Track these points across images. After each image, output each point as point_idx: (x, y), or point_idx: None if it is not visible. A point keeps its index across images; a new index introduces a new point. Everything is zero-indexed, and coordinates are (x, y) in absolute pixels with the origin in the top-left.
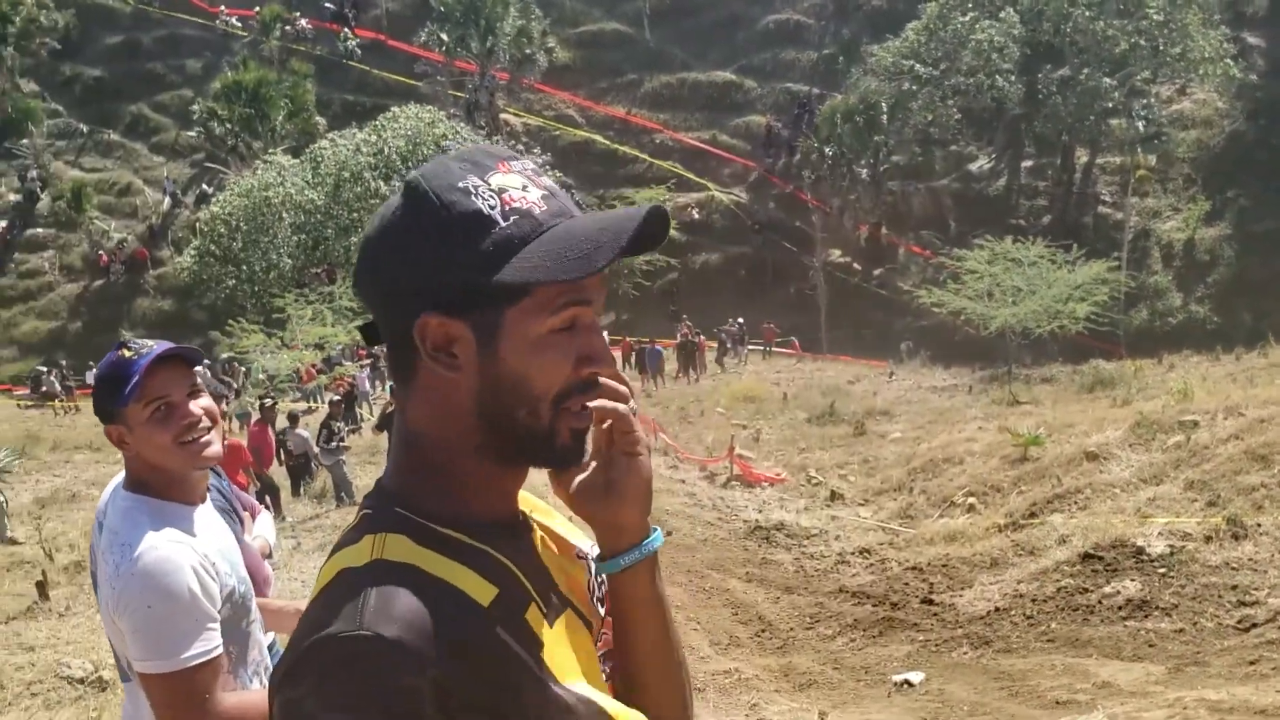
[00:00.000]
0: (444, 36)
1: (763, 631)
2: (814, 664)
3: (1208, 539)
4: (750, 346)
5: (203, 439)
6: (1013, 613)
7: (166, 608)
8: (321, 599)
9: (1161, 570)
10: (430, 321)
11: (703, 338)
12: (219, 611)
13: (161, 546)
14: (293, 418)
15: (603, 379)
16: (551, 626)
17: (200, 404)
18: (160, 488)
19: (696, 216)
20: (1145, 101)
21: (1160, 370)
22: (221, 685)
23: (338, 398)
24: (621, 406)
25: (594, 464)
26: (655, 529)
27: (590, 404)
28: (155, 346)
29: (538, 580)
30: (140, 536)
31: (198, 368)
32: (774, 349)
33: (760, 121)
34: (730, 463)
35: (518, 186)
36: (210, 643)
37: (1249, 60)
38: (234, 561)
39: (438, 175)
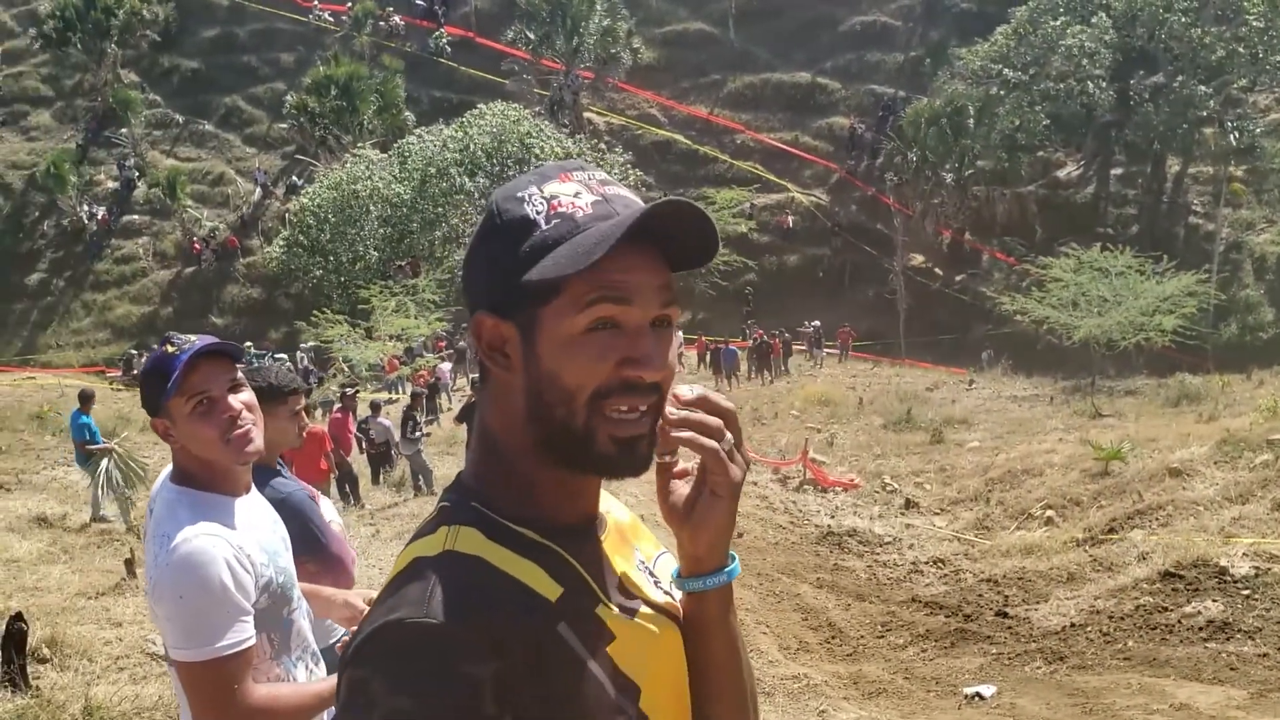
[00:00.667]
0: (530, 35)
1: (833, 638)
2: (884, 673)
3: None
4: (827, 350)
5: (245, 433)
6: (1089, 629)
7: (198, 599)
8: (394, 584)
9: (1245, 592)
10: (484, 321)
11: (778, 339)
12: (256, 603)
13: (195, 539)
14: (375, 407)
15: (687, 410)
16: (628, 624)
17: (241, 398)
18: (204, 480)
19: (791, 224)
20: (1241, 111)
21: (1249, 386)
22: (252, 675)
23: (422, 389)
24: (707, 442)
25: (693, 481)
26: (732, 561)
27: (667, 425)
28: (196, 341)
29: (607, 581)
30: (178, 528)
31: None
32: (850, 353)
33: (843, 123)
34: (803, 466)
35: (570, 193)
36: (241, 634)
37: None
38: (273, 552)
39: (507, 187)
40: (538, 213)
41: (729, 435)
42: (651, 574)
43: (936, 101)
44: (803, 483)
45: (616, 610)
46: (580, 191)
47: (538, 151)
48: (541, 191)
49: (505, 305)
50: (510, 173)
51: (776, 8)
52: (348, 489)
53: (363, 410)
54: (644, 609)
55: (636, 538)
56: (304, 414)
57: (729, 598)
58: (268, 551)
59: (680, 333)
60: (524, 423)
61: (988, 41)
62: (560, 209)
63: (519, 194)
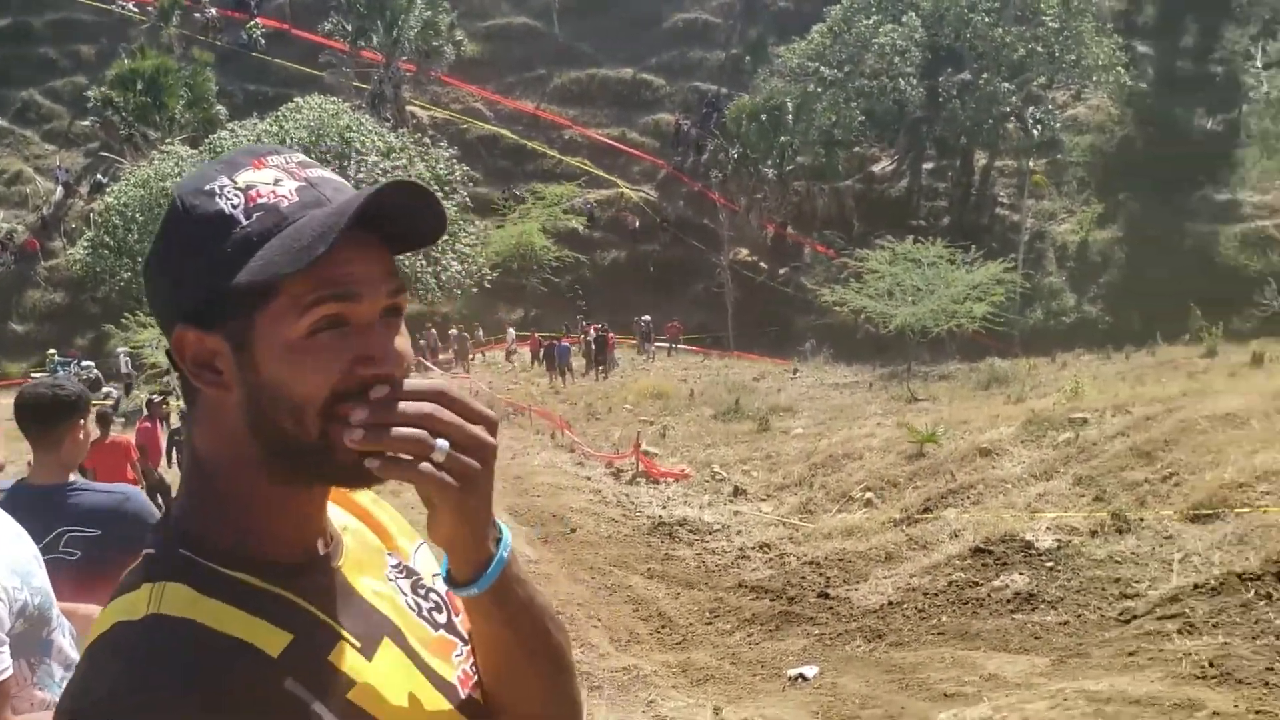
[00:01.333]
0: (348, 27)
1: (663, 628)
2: (711, 659)
3: (1093, 533)
4: (658, 344)
5: None
6: (905, 606)
7: None
8: (91, 657)
9: (1049, 564)
10: (186, 336)
11: (612, 334)
12: (11, 629)
13: None
14: (185, 416)
15: (375, 400)
16: (371, 660)
17: None
18: None
19: (637, 225)
20: (1041, 107)
21: (1054, 369)
22: (12, 705)
23: None
24: (405, 432)
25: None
26: (491, 564)
27: (352, 428)
28: None
29: (346, 613)
30: None
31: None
32: (679, 346)
33: (669, 120)
34: (636, 459)
35: (268, 181)
36: None
37: (1139, 69)
38: (25, 573)
39: (189, 180)
40: (234, 206)
41: (441, 436)
42: (410, 573)
43: (757, 99)
44: (635, 475)
45: (357, 645)
46: (280, 178)
47: (358, 145)
48: (234, 182)
49: (208, 315)
50: (331, 166)
51: (600, 3)
52: (159, 500)
53: (175, 420)
54: (393, 633)
55: (386, 538)
56: (88, 426)
57: (508, 582)
58: (19, 574)
59: (512, 330)
60: (244, 441)
61: (805, 40)
62: (261, 199)
63: (207, 186)
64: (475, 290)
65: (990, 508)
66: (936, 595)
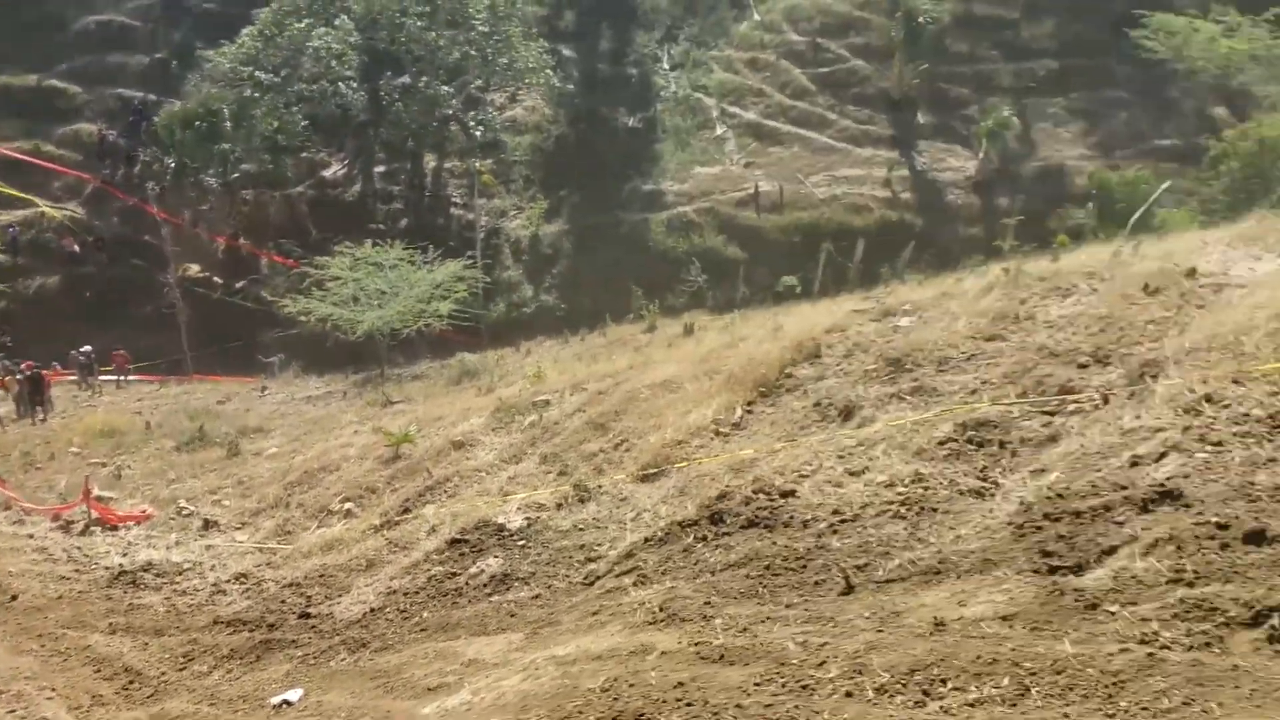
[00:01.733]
0: None
1: (130, 683)
2: (188, 705)
3: (558, 506)
4: (104, 376)
5: None
6: (387, 610)
7: None
8: None
9: (521, 543)
10: None
11: (48, 371)
12: None
13: None
14: None
15: None
16: None
17: None
18: None
19: (77, 249)
20: (482, 109)
21: (519, 357)
22: None
23: None
24: None
25: None
26: None
27: None
28: None
29: None
30: None
31: None
32: (129, 377)
33: (91, 129)
34: (87, 507)
35: None
36: None
37: (566, 71)
38: None
39: None
40: None
41: None
42: None
43: (190, 105)
44: (89, 525)
45: None
46: None
47: None
48: None
49: None
50: None
51: None
52: None
53: None
54: None
55: None
56: None
57: None
58: None
59: None
60: None
61: (235, 44)
62: None
63: None
64: None
65: (466, 498)
66: (417, 593)
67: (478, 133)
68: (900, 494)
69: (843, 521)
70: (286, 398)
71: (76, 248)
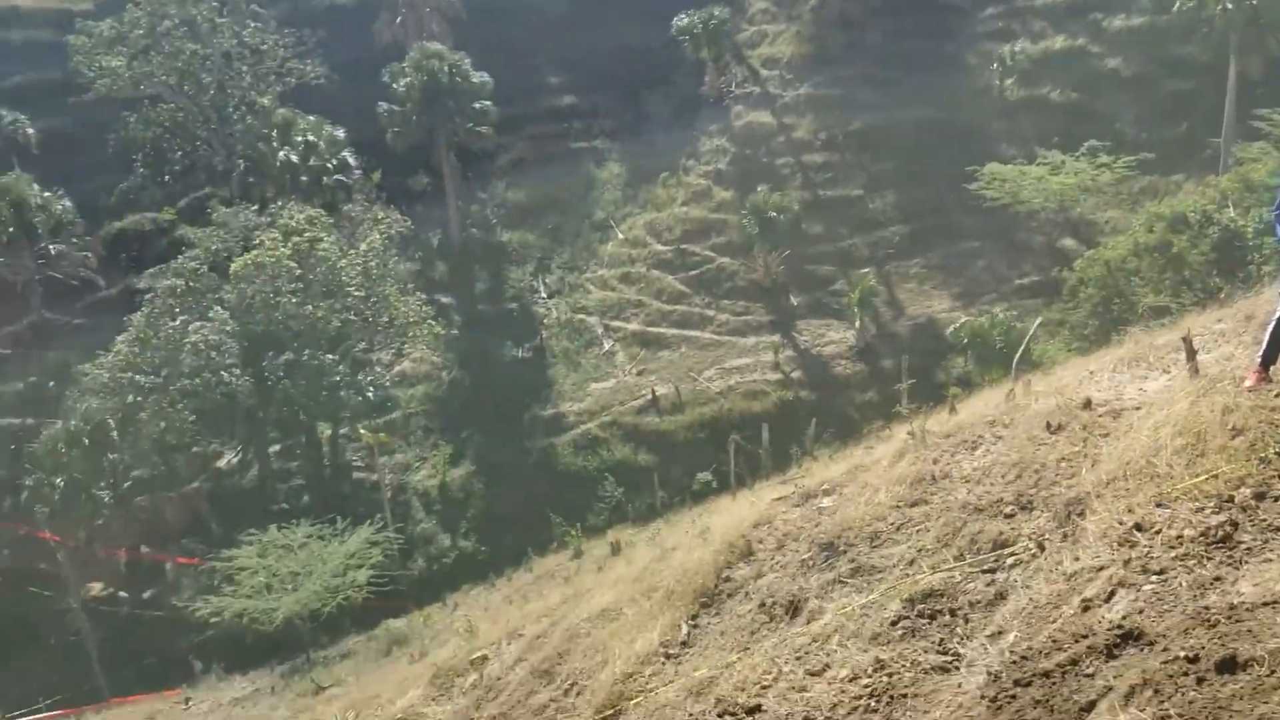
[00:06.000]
0: None
1: None
2: None
3: None
4: None
5: None
6: None
7: None
8: None
9: None
10: None
11: None
12: None
13: None
14: None
15: None
16: None
17: None
18: None
19: None
20: (369, 370)
21: (447, 613)
22: None
23: None
24: None
25: None
26: None
27: None
28: None
29: None
30: None
31: None
32: None
33: None
34: None
35: None
36: None
37: (447, 317)
38: None
39: None
40: None
41: None
42: None
43: (72, 422)
44: None
45: None
46: None
47: None
48: None
49: None
50: None
51: None
52: None
53: None
54: None
55: None
56: None
57: None
58: None
59: None
60: None
61: (112, 352)
62: None
63: None
64: None
65: None
66: None
67: (369, 393)
68: (866, 686)
69: None
70: (213, 705)
71: None
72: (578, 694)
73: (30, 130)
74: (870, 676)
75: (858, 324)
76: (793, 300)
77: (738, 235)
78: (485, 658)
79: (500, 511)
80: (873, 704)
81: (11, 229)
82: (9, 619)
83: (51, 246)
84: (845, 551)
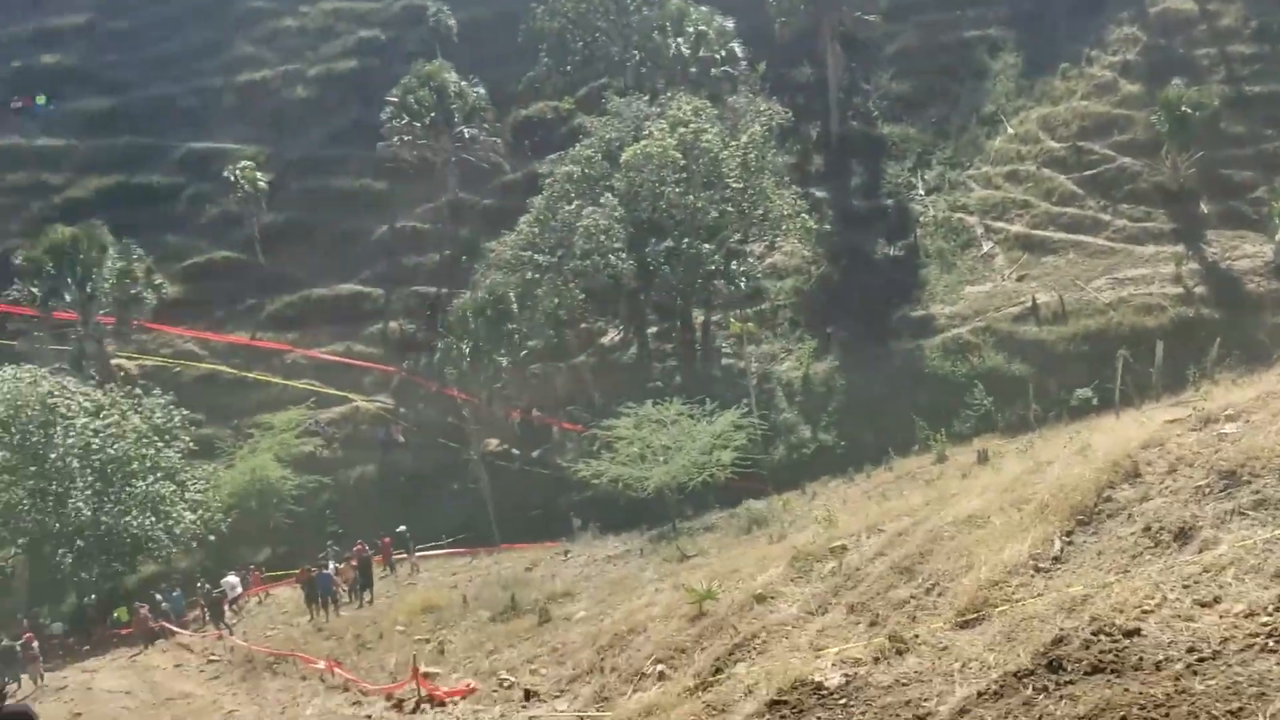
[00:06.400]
0: (35, 290)
1: None
2: None
3: (876, 660)
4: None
5: None
6: None
7: None
8: None
9: (843, 702)
10: None
11: (387, 551)
12: None
13: None
14: None
15: None
16: None
17: None
18: None
19: (402, 439)
20: (742, 260)
21: (805, 500)
22: None
23: None
24: None
25: None
26: None
27: None
28: None
29: None
30: None
31: None
32: (399, 559)
33: (394, 327)
34: (416, 684)
35: None
36: None
37: (820, 211)
38: None
39: None
40: None
41: None
42: None
43: (479, 294)
44: (419, 702)
45: None
46: None
47: (64, 410)
48: None
49: None
50: (35, 438)
51: (304, 226)
52: None
53: None
54: None
55: None
56: None
57: None
58: None
59: (233, 576)
60: None
61: (514, 232)
62: None
63: None
64: (213, 538)
65: (776, 655)
66: None
67: (741, 283)
68: (1265, 625)
69: (1201, 661)
70: (588, 560)
71: (400, 437)
72: (939, 594)
73: (451, 21)
74: (1270, 615)
75: (1278, 237)
76: (1202, 208)
77: (1143, 133)
78: (844, 547)
79: (861, 409)
80: (1271, 644)
81: (433, 113)
82: (423, 464)
83: (466, 131)
84: (1249, 482)
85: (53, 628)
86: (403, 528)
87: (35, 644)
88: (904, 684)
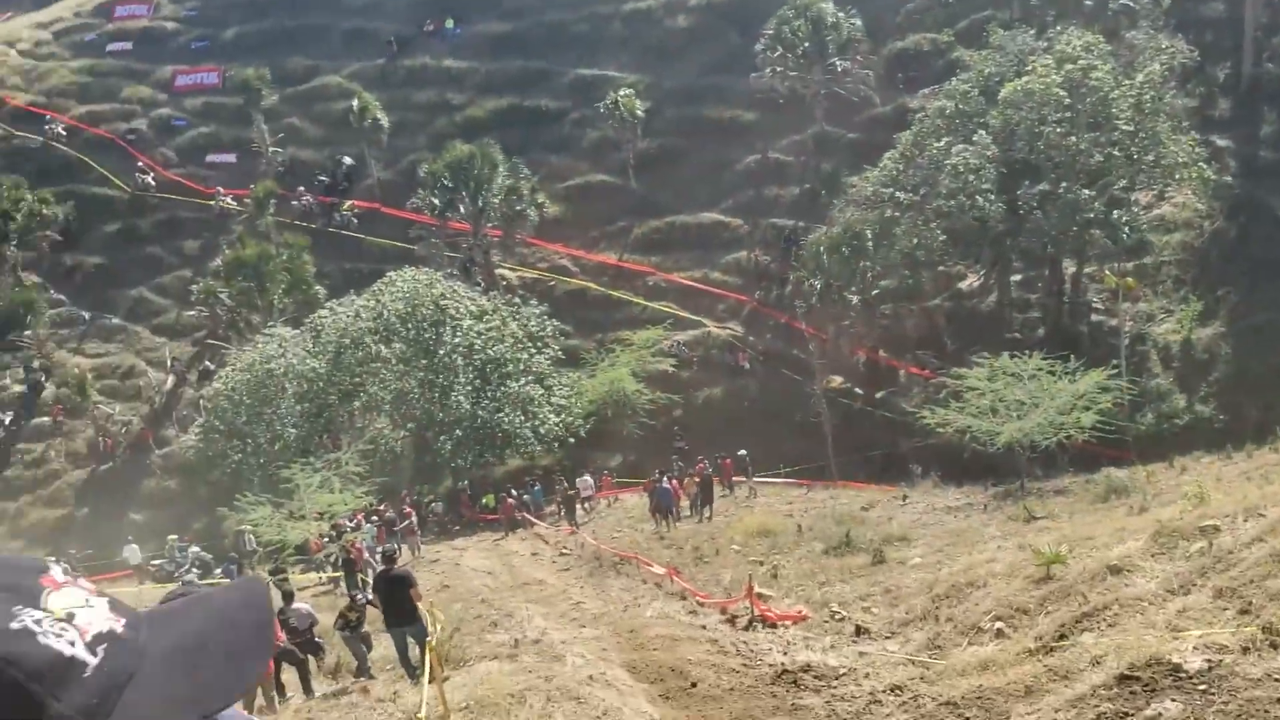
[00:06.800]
0: (435, 201)
1: None
2: None
3: (1245, 650)
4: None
5: None
6: None
7: None
8: None
9: (1202, 688)
10: None
11: (730, 468)
12: None
13: None
14: (288, 595)
15: None
16: None
17: None
18: None
19: (748, 366)
20: (1126, 210)
21: (1173, 474)
22: None
23: (358, 593)
24: None
25: None
26: None
27: None
28: None
29: None
30: None
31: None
32: (738, 481)
33: (749, 257)
34: (750, 603)
35: (81, 604)
36: None
37: (1220, 162)
38: None
39: None
40: (71, 644)
41: None
42: None
43: (835, 229)
44: (751, 620)
45: None
46: (87, 597)
47: (453, 312)
48: (48, 611)
49: None
50: (427, 335)
51: (674, 154)
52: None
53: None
54: None
55: None
56: None
57: None
58: None
59: (588, 476)
60: None
61: (877, 168)
62: (94, 629)
63: (14, 625)
64: (572, 440)
65: (1129, 629)
66: None
67: (1123, 234)
68: None
69: None
70: (927, 507)
71: (746, 364)
72: None
73: None
74: None
75: None
76: None
77: None
78: (1217, 528)
79: (1248, 381)
80: None
81: (807, 44)
82: (767, 393)
83: (839, 63)
84: None
85: (434, 507)
86: (743, 452)
87: (414, 518)
88: (1275, 679)
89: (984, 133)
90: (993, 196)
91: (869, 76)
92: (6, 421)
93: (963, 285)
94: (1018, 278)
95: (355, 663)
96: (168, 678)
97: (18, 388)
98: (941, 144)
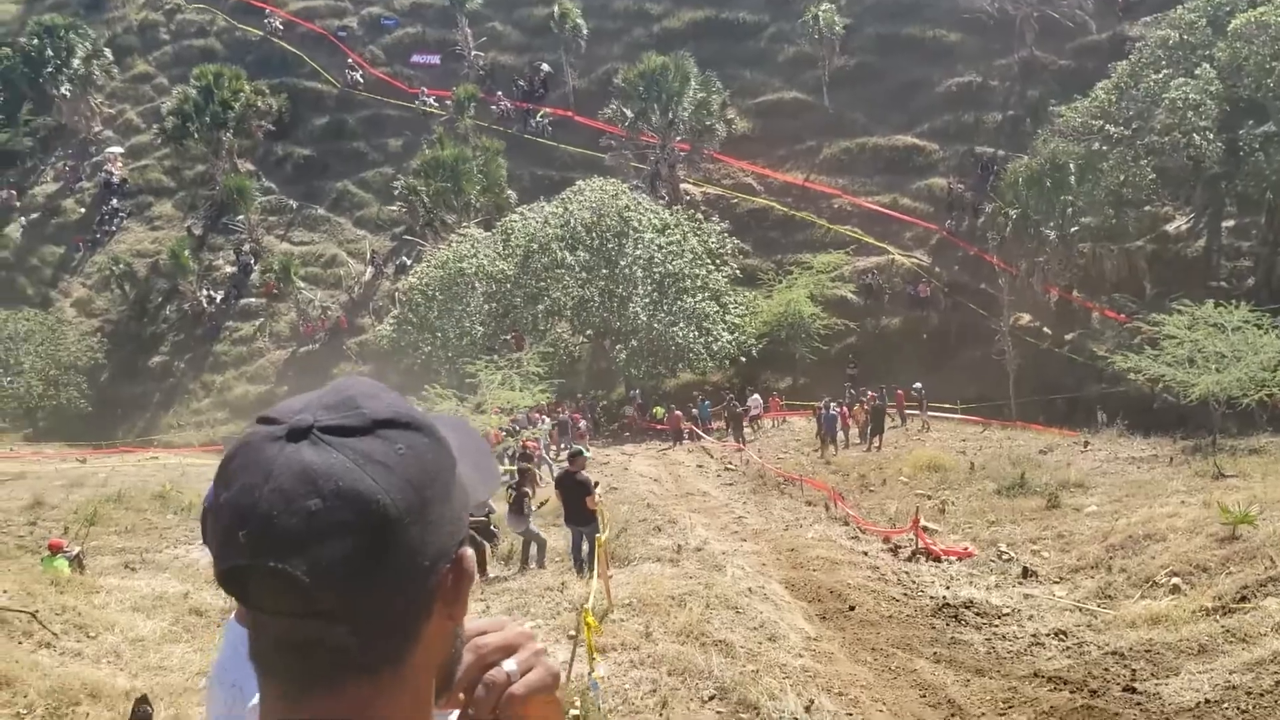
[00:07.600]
0: (627, 112)
1: (952, 716)
2: None
3: None
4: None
5: None
6: (1225, 706)
7: None
8: None
9: None
10: (464, 558)
11: (895, 401)
12: None
13: None
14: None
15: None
16: None
17: None
18: None
19: (929, 296)
20: None
21: None
22: None
23: (528, 465)
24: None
25: None
26: None
27: None
28: None
29: None
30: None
31: None
32: (911, 414)
33: (942, 184)
34: (914, 535)
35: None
36: None
37: None
38: None
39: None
40: None
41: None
42: None
43: (1037, 160)
44: (915, 552)
45: None
46: None
47: (636, 224)
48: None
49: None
50: (610, 245)
51: (870, 73)
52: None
53: None
54: None
55: None
56: None
57: None
58: None
59: (757, 396)
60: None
61: (1088, 98)
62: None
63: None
64: (744, 359)
65: None
66: (1263, 695)
67: None
68: None
69: None
70: (1109, 455)
71: (928, 294)
72: None
73: None
74: None
75: None
76: None
77: None
78: None
79: None
80: None
81: None
82: (949, 326)
83: None
84: None
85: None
86: (918, 384)
87: (583, 422)
88: None
89: (1208, 66)
90: (1211, 135)
91: (1086, 0)
92: (218, 300)
93: (1169, 228)
94: (1230, 223)
95: (529, 548)
96: (465, 461)
97: (229, 269)
98: (1160, 76)
